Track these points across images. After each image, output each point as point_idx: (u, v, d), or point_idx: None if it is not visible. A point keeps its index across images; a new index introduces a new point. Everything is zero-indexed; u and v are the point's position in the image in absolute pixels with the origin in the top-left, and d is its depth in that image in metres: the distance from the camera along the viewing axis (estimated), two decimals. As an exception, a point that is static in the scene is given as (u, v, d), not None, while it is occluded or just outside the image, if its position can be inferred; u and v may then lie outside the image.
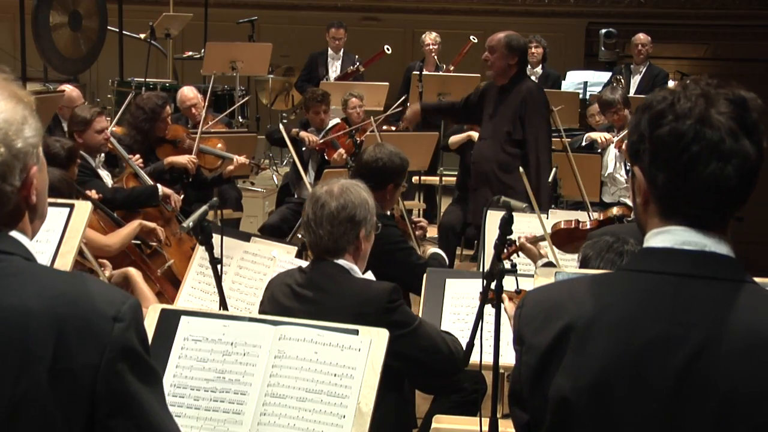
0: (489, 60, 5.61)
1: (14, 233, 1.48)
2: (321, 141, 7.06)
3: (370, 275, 3.06)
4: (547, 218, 4.36)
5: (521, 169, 4.21)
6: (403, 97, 8.52)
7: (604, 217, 4.06)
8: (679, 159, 1.43)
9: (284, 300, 2.91)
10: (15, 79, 1.55)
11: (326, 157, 7.05)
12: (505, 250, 3.77)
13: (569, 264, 3.95)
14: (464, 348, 2.95)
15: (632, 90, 8.61)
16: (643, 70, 8.89)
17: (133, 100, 6.81)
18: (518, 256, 3.91)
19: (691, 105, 1.44)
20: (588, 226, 3.99)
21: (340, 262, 2.90)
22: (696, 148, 1.42)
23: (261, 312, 3.02)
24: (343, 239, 2.89)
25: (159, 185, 5.38)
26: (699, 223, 1.46)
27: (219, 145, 6.62)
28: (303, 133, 7.05)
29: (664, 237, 1.48)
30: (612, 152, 6.77)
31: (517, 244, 3.85)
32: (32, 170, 1.47)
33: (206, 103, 6.99)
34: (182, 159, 6.06)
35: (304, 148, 7.08)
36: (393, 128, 7.99)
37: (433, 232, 7.47)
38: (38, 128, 1.50)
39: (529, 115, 5.51)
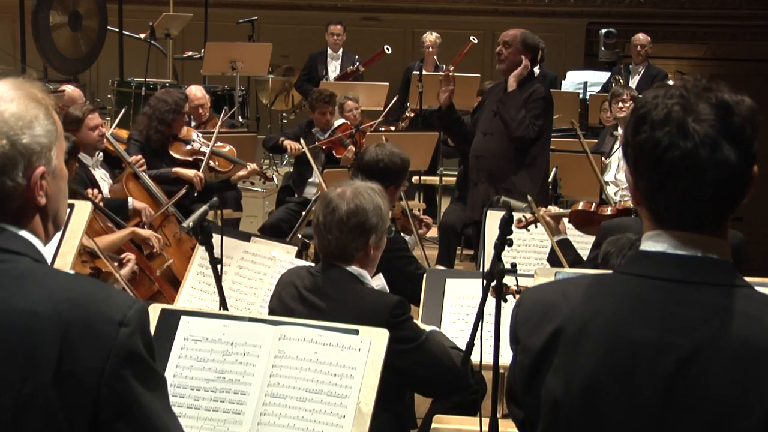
0: (502, 54, 5.56)
1: (25, 233, 1.48)
2: (328, 140, 7.07)
3: (380, 278, 3.03)
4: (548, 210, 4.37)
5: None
6: (395, 98, 8.53)
7: (622, 207, 4.06)
8: (655, 168, 1.41)
9: (289, 301, 2.88)
10: (39, 80, 1.55)
11: (335, 155, 7.06)
12: (524, 219, 3.82)
13: (581, 241, 3.97)
14: (464, 350, 2.94)
15: None
16: (642, 71, 8.89)
17: (134, 98, 6.78)
18: (536, 227, 3.96)
19: (667, 111, 1.40)
20: (608, 212, 4.01)
21: (350, 268, 2.86)
22: (670, 157, 1.39)
23: (270, 308, 3.02)
24: (351, 246, 2.83)
25: (130, 198, 5.29)
26: (690, 226, 1.44)
27: (228, 147, 6.57)
28: (287, 142, 7.03)
29: (658, 240, 1.46)
30: (617, 153, 6.78)
31: (537, 215, 3.88)
32: (37, 170, 1.47)
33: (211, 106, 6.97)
34: (189, 173, 5.94)
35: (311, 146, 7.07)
36: (392, 128, 8.00)
37: (433, 232, 7.48)
38: (51, 131, 1.49)
39: (529, 102, 5.49)
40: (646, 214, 1.48)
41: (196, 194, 5.90)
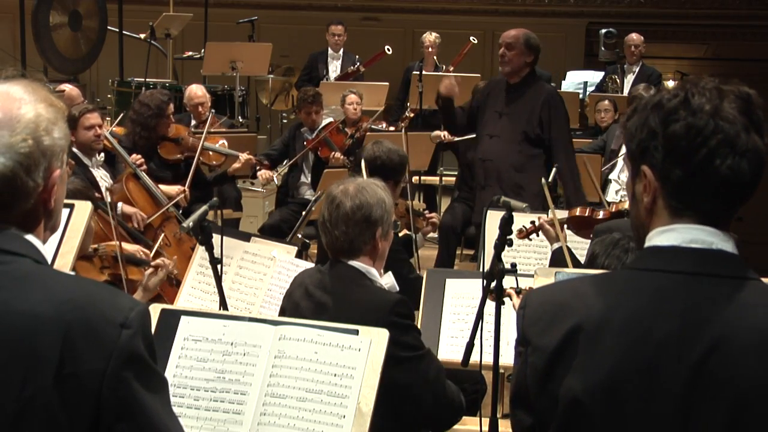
0: (506, 56, 5.52)
1: (28, 236, 1.49)
2: (315, 141, 7.05)
3: (389, 276, 3.03)
4: (547, 218, 4.37)
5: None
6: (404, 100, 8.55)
7: (616, 210, 4.12)
8: (696, 154, 1.43)
9: (298, 298, 2.91)
10: (47, 83, 1.58)
11: (320, 155, 7.03)
12: (524, 228, 3.87)
13: (580, 247, 3.99)
14: (464, 350, 2.94)
15: (626, 90, 8.65)
16: (636, 70, 8.93)
17: (134, 98, 6.76)
18: (537, 235, 4.02)
19: (705, 99, 1.44)
20: (600, 216, 4.09)
21: (357, 264, 2.86)
22: (714, 142, 1.42)
23: (281, 307, 3.04)
24: (359, 240, 2.84)
25: (120, 203, 5.18)
26: (708, 220, 1.47)
27: (221, 142, 6.58)
28: (260, 173, 6.81)
29: (670, 235, 1.48)
30: (623, 151, 6.81)
31: (537, 224, 3.95)
32: (55, 172, 1.49)
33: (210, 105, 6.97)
34: (173, 190, 5.59)
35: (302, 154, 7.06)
36: (392, 128, 8.00)
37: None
38: (67, 134, 1.53)
39: (554, 118, 5.48)
40: (665, 207, 1.49)
41: (183, 208, 5.80)
